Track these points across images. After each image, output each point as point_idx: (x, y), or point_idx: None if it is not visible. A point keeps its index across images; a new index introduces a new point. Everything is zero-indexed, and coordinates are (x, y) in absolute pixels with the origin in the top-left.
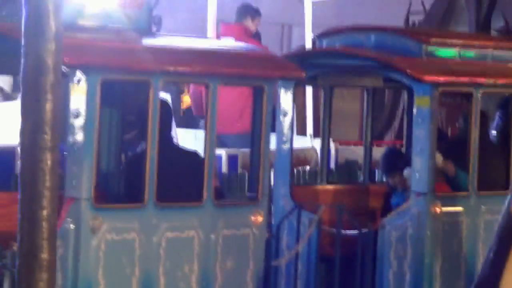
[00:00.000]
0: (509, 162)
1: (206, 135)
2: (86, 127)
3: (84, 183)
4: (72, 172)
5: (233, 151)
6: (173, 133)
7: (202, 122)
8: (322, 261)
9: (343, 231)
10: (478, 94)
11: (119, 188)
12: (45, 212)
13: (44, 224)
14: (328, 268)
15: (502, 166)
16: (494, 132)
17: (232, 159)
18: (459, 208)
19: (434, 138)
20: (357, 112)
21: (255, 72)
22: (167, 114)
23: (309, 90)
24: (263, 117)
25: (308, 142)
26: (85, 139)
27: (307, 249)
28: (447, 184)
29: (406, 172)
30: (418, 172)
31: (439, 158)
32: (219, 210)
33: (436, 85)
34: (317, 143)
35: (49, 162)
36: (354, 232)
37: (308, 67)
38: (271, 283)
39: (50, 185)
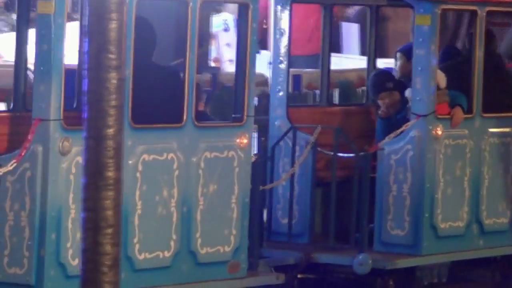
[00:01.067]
0: None
1: (187, 54)
2: None
3: (52, 104)
4: (40, 92)
5: (296, 71)
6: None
7: None
8: (319, 185)
9: (339, 154)
10: (482, 13)
11: None
12: (111, 131)
13: (110, 143)
14: (325, 192)
15: (509, 88)
16: None
17: (296, 79)
18: (462, 131)
19: (434, 58)
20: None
21: None
22: (147, 33)
23: None
24: (248, 36)
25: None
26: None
27: (304, 172)
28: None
29: (407, 92)
30: (418, 93)
31: (442, 79)
32: (201, 132)
33: (437, 2)
34: None
35: (114, 81)
36: (350, 155)
37: None
38: (265, 206)
39: (115, 104)
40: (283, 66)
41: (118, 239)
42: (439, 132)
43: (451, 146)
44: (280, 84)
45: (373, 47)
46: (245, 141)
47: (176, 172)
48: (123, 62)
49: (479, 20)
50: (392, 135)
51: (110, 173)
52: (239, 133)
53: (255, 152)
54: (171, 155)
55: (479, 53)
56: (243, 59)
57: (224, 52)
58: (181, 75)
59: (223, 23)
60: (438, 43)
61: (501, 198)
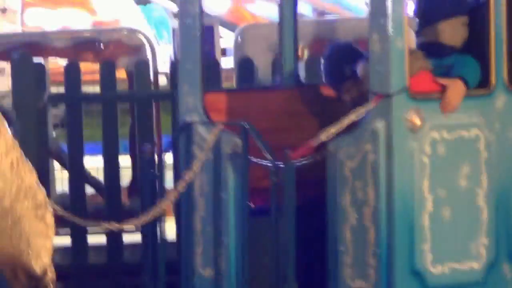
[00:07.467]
0: None
1: None
2: None
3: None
4: None
5: None
6: None
7: None
8: (260, 213)
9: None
10: None
11: None
12: None
13: None
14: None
15: None
16: None
17: None
18: (469, 117)
19: (402, 8)
20: None
21: None
22: None
23: None
24: None
25: None
26: None
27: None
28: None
29: (361, 66)
30: (376, 58)
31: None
32: None
33: None
34: None
35: None
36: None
37: None
38: None
39: None
40: None
41: None
42: (417, 122)
43: (445, 143)
44: None
45: None
46: None
47: None
48: None
49: None
50: (332, 128)
51: None
52: None
53: None
54: None
55: None
56: None
57: None
58: None
59: None
60: None
61: None
